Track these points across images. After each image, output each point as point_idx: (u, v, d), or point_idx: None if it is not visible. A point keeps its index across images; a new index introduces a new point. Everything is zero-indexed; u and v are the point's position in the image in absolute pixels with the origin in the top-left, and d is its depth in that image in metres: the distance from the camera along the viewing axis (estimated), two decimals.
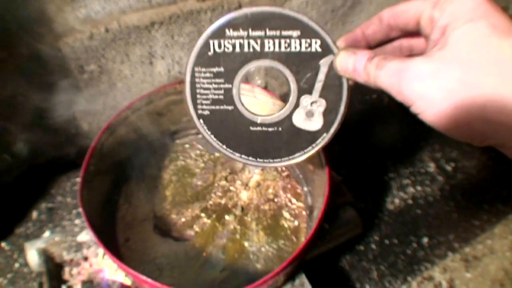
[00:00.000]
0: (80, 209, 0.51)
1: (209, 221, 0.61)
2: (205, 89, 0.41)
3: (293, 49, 0.38)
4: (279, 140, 0.42)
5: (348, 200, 0.67)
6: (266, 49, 0.39)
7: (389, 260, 0.73)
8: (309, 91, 0.40)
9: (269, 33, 0.38)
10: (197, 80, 0.40)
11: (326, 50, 0.38)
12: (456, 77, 0.30)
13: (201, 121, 0.42)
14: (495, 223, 0.77)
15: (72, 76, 0.62)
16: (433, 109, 0.31)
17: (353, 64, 0.36)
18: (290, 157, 0.43)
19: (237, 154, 0.44)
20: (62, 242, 0.65)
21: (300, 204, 0.63)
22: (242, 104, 0.41)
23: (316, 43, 0.38)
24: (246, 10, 0.38)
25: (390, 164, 0.84)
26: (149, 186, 0.63)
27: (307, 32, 0.38)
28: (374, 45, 0.40)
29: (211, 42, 0.39)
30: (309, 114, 0.41)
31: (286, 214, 0.62)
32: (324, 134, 0.42)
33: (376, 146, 0.86)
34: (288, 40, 0.38)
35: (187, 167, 0.66)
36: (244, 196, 0.63)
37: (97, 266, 0.61)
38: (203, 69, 0.40)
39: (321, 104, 0.40)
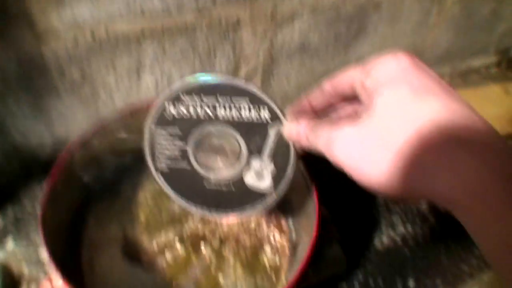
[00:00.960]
0: (39, 225, 0.46)
1: (183, 250, 0.55)
2: (162, 147, 0.43)
3: (243, 116, 0.41)
4: (231, 196, 0.45)
5: (333, 236, 0.62)
6: (218, 114, 0.41)
7: None
8: (259, 155, 0.42)
9: (220, 99, 0.40)
10: (154, 138, 0.43)
11: (274, 118, 0.41)
12: (379, 144, 0.31)
13: (159, 174, 0.45)
14: (484, 269, 0.73)
15: (52, 82, 0.58)
16: (364, 177, 0.32)
17: (297, 133, 0.39)
18: (242, 212, 0.46)
19: (193, 207, 0.46)
20: (24, 255, 0.60)
21: (283, 241, 0.58)
22: (197, 163, 0.44)
23: (265, 111, 0.40)
24: (200, 79, 0.40)
25: (381, 200, 0.79)
26: (122, 205, 0.58)
27: (256, 100, 0.40)
28: (321, 112, 0.42)
29: (166, 104, 0.41)
30: (259, 175, 0.43)
31: (267, 249, 0.57)
32: (273, 194, 0.44)
33: None
34: (238, 107, 0.40)
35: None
36: (224, 225, 0.58)
37: (58, 286, 0.56)
38: (160, 129, 0.42)
39: (270, 167, 0.43)
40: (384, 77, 0.32)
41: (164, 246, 0.56)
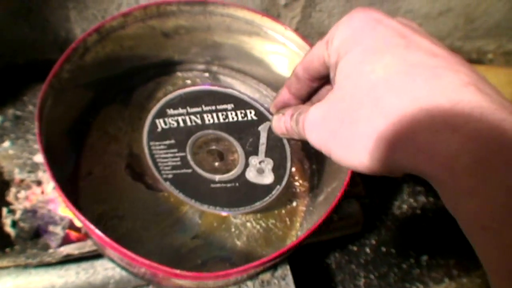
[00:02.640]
0: (35, 122, 0.38)
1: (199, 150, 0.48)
2: (163, 158, 0.44)
3: (231, 120, 0.41)
4: (238, 193, 0.45)
5: (358, 192, 0.55)
6: (207, 121, 0.41)
7: (381, 270, 0.62)
8: (255, 153, 0.42)
9: (205, 108, 0.41)
10: (154, 152, 0.43)
11: (261, 117, 0.40)
12: (341, 120, 0.27)
13: (168, 183, 0.44)
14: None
15: None
16: (338, 157, 0.28)
17: (281, 126, 0.37)
18: (251, 205, 0.45)
19: (205, 206, 0.45)
20: (17, 157, 0.53)
21: (304, 183, 0.51)
22: (199, 167, 0.44)
23: (250, 112, 0.40)
24: (179, 92, 0.40)
25: None
26: (132, 115, 0.50)
27: (240, 104, 0.40)
28: (307, 99, 0.37)
29: (156, 121, 0.42)
30: (260, 171, 0.43)
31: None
32: (278, 186, 0.44)
33: None
34: (224, 112, 0.41)
35: None
36: None
37: (49, 195, 0.49)
38: (157, 143, 0.43)
39: (269, 163, 0.42)
40: (340, 44, 0.28)
41: None
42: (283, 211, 0.49)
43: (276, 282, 0.46)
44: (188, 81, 0.55)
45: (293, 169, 0.52)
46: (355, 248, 0.62)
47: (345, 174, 0.41)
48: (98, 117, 0.50)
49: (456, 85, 0.24)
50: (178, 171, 0.44)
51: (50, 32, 0.59)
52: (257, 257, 0.45)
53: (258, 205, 0.44)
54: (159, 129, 0.42)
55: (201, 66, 0.56)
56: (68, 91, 0.44)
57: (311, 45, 0.48)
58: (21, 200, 0.49)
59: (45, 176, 0.51)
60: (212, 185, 0.45)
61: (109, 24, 0.45)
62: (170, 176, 0.44)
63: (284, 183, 0.44)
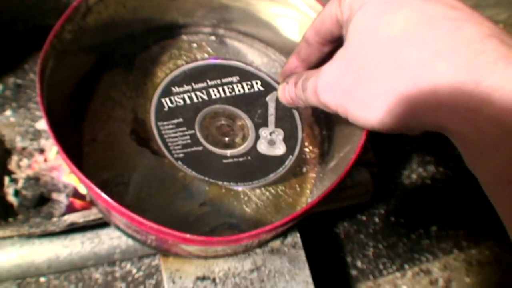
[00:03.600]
0: (37, 84, 0.36)
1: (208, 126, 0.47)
2: (173, 137, 0.42)
3: (237, 92, 0.40)
4: (251, 166, 0.44)
5: (368, 159, 0.53)
6: (213, 96, 0.41)
7: (390, 240, 0.61)
8: (265, 124, 0.41)
9: (210, 83, 0.40)
10: (163, 132, 0.42)
11: (268, 87, 0.40)
12: (356, 77, 0.26)
13: (180, 162, 0.43)
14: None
15: None
16: (355, 117, 0.28)
17: (289, 94, 0.35)
18: (265, 178, 0.43)
19: (219, 182, 0.44)
20: (18, 125, 0.52)
21: (314, 149, 0.49)
22: (209, 143, 0.43)
23: (257, 83, 0.40)
24: (183, 68, 0.40)
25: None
26: (137, 80, 0.48)
27: (246, 75, 0.40)
28: (317, 64, 0.35)
29: (163, 100, 0.41)
30: (271, 143, 0.42)
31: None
32: (290, 157, 0.43)
33: None
34: (230, 86, 0.40)
35: None
36: None
37: (52, 163, 0.48)
38: (165, 123, 0.42)
39: (280, 133, 0.42)
40: (354, 1, 0.27)
41: None
42: (293, 178, 0.47)
43: (286, 250, 0.45)
44: (194, 45, 0.52)
45: (303, 135, 0.50)
46: (364, 218, 0.61)
47: (358, 137, 0.39)
48: (101, 81, 0.47)
49: (479, 37, 0.22)
50: (189, 150, 0.43)
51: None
52: (266, 224, 0.43)
53: (272, 177, 0.43)
54: (166, 108, 0.41)
55: (207, 29, 0.54)
56: (70, 54, 0.42)
57: (324, 6, 0.45)
58: (24, 168, 0.47)
59: (48, 143, 0.50)
60: (224, 161, 0.43)
61: None
62: (181, 155, 0.43)
63: (296, 153, 0.43)
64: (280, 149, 0.43)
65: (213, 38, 0.53)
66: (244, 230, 0.43)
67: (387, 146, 0.66)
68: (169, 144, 0.43)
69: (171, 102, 0.41)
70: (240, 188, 0.45)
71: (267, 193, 0.46)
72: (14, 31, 0.61)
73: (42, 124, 0.51)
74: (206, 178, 0.44)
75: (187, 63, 0.41)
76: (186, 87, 0.41)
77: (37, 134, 0.51)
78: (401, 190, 0.64)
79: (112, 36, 0.47)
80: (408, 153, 0.67)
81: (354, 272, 0.58)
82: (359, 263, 0.59)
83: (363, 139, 0.38)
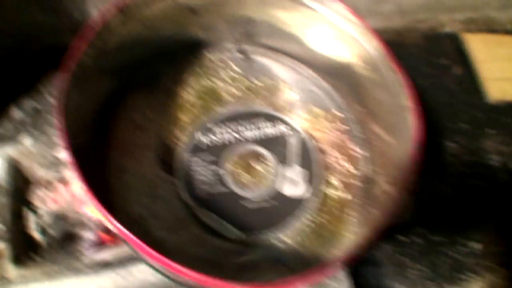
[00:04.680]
0: (56, 113, 0.33)
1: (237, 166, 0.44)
2: (198, 173, 0.43)
3: (265, 133, 0.46)
4: (273, 211, 0.43)
5: None
6: (244, 135, 0.45)
7: (432, 260, 0.57)
8: (288, 164, 0.44)
9: (242, 123, 0.46)
10: (190, 165, 0.43)
11: (291, 129, 0.46)
12: None
13: (198, 202, 0.42)
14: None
15: None
16: None
17: None
18: (287, 226, 0.42)
19: (234, 229, 0.42)
20: (38, 153, 0.48)
21: (355, 172, 0.45)
22: (234, 185, 0.43)
23: (281, 126, 0.46)
24: (224, 112, 0.46)
25: (451, 147, 0.65)
26: (161, 102, 0.45)
27: (271, 118, 0.46)
28: None
29: (197, 134, 0.44)
30: (293, 182, 0.44)
31: (333, 180, 0.44)
32: (312, 197, 0.43)
33: (437, 121, 0.67)
34: (258, 126, 0.46)
35: (215, 91, 0.48)
36: None
37: (77, 195, 0.44)
38: (194, 156, 0.44)
39: (300, 172, 0.44)
40: None
41: None
42: (333, 203, 0.43)
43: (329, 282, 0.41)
44: (219, 62, 0.49)
45: (339, 155, 0.46)
46: (404, 239, 0.57)
47: (400, 159, 0.35)
48: (124, 106, 0.44)
49: None
50: (212, 190, 0.42)
51: (64, 16, 0.54)
52: (308, 256, 0.40)
53: (291, 221, 0.42)
54: (199, 142, 0.44)
55: (231, 45, 0.50)
56: (90, 79, 0.39)
57: (362, 19, 0.42)
58: (46, 201, 0.44)
59: (71, 174, 0.47)
60: (247, 205, 0.42)
61: (132, 1, 0.39)
62: (202, 194, 0.42)
63: (316, 192, 0.43)
64: (301, 189, 0.43)
65: (237, 54, 0.50)
66: (283, 259, 0.40)
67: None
68: (193, 181, 0.42)
69: (205, 137, 0.44)
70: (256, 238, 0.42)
71: (307, 222, 0.42)
72: (29, 52, 0.59)
73: (64, 153, 0.48)
74: (229, 225, 0.42)
75: (220, 105, 0.46)
76: (221, 125, 0.45)
77: (58, 164, 0.47)
78: (440, 206, 0.60)
79: (133, 57, 0.44)
80: (443, 166, 0.63)
81: None
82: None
83: (412, 162, 0.35)
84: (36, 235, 0.41)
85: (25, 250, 0.41)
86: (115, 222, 0.30)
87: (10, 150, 0.48)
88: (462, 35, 0.74)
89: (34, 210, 0.43)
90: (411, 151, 0.37)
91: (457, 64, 0.73)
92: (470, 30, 0.75)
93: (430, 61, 0.73)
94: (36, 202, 0.44)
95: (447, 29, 0.75)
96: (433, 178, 0.62)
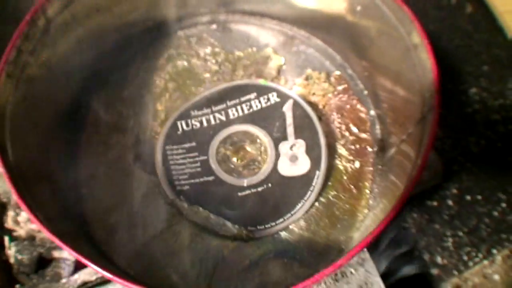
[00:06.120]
0: None
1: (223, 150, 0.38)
2: (181, 166, 0.38)
3: (255, 108, 0.40)
4: (273, 197, 0.37)
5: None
6: (231, 116, 0.40)
7: (469, 223, 0.50)
8: (284, 138, 0.39)
9: (230, 103, 0.40)
10: (169, 157, 0.38)
11: (284, 97, 0.40)
12: None
13: (181, 197, 0.37)
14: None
15: None
16: None
17: None
18: (292, 212, 0.36)
19: (229, 224, 0.36)
20: None
21: (364, 136, 0.38)
22: (223, 172, 0.38)
23: (273, 95, 0.40)
24: (205, 93, 0.40)
25: (475, 93, 0.58)
26: (133, 94, 0.39)
27: (263, 91, 0.40)
28: None
29: (178, 123, 0.39)
30: (293, 159, 0.38)
31: (342, 150, 0.38)
32: (317, 172, 0.37)
33: (455, 67, 0.60)
34: (248, 103, 0.40)
35: (191, 71, 0.42)
36: None
37: None
38: (175, 147, 0.38)
39: (301, 145, 0.38)
40: None
41: None
42: (345, 177, 0.37)
43: (353, 271, 0.35)
44: (193, 39, 0.43)
45: (347, 120, 0.39)
46: (435, 203, 0.50)
47: (418, 112, 0.28)
48: (90, 106, 0.38)
49: None
50: (198, 181, 0.37)
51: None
52: (322, 244, 0.33)
53: (299, 208, 0.36)
54: (180, 131, 0.39)
55: (206, 18, 0.44)
56: (37, 81, 0.33)
57: None
58: (23, 224, 0.39)
59: None
60: (240, 193, 0.37)
61: None
62: (185, 187, 0.37)
63: (323, 166, 0.37)
64: (304, 165, 0.37)
65: (214, 26, 0.43)
66: (295, 256, 0.34)
67: (444, 114, 0.54)
68: (173, 172, 0.37)
69: (187, 125, 0.39)
70: (257, 235, 0.35)
71: (316, 203, 0.36)
72: None
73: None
74: (216, 218, 0.36)
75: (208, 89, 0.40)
76: (205, 110, 0.39)
77: None
78: (472, 161, 0.53)
79: (94, 51, 0.38)
80: (470, 117, 0.56)
81: (435, 271, 0.48)
82: (439, 259, 0.48)
83: (435, 117, 0.28)
84: (14, 262, 0.36)
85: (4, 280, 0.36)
86: (73, 252, 0.25)
87: None
88: None
89: (11, 236, 0.38)
90: (427, 100, 0.30)
91: (467, 1, 0.65)
92: None
93: (438, 3, 0.64)
94: (12, 226, 0.39)
95: None
96: (460, 131, 0.55)
